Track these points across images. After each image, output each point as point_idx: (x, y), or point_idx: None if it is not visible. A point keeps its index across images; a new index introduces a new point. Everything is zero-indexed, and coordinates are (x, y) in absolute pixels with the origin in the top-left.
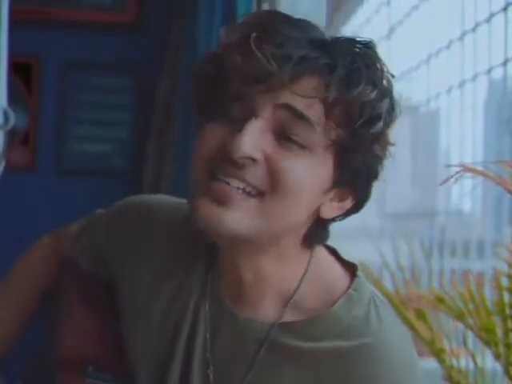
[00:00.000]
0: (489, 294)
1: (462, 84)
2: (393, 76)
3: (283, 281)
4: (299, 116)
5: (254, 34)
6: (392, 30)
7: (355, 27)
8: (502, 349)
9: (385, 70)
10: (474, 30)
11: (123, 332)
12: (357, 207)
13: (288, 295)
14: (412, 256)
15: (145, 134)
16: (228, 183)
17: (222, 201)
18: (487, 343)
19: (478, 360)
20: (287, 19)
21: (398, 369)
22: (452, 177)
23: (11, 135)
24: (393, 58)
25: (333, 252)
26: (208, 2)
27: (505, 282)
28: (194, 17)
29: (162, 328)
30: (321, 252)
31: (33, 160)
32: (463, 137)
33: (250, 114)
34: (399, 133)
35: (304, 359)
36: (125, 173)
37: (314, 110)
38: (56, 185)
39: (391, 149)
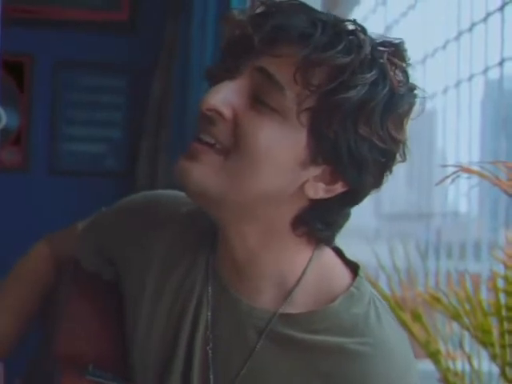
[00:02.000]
0: (485, 295)
1: (458, 84)
2: (405, 68)
3: (279, 270)
4: (271, 79)
5: (245, 7)
6: (388, 29)
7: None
8: (498, 350)
9: (384, 55)
10: (470, 29)
11: (126, 329)
12: (351, 197)
13: (288, 286)
14: (408, 257)
15: (138, 134)
16: (200, 139)
17: (192, 156)
18: (483, 344)
19: (474, 362)
20: (296, 3)
21: (395, 369)
22: (448, 177)
23: (3, 135)
24: None
25: (336, 250)
26: (201, 1)
27: (501, 283)
28: (187, 16)
29: (168, 320)
30: (325, 250)
31: (25, 160)
32: (459, 137)
33: (230, 78)
34: None
35: (302, 351)
36: (118, 173)
37: (287, 75)
38: (48, 185)
39: (399, 144)
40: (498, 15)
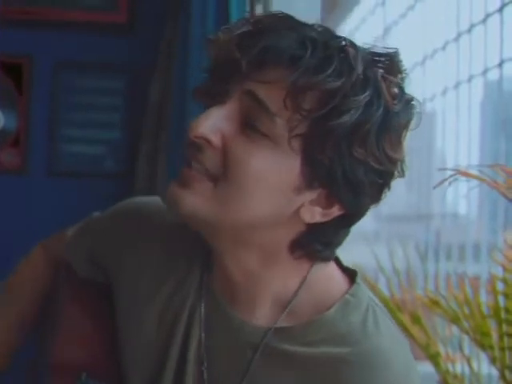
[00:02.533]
0: (485, 298)
1: (457, 85)
2: (400, 89)
3: (277, 286)
4: (260, 104)
5: (230, 26)
6: (387, 30)
7: (350, 28)
8: (497, 353)
9: (377, 74)
10: (469, 31)
11: (118, 335)
12: (349, 219)
13: (284, 301)
14: (407, 259)
15: (137, 135)
16: (190, 166)
17: (182, 183)
18: (482, 347)
19: (474, 364)
20: (283, 18)
21: (393, 376)
22: (445, 180)
23: (1, 136)
24: None
25: (334, 258)
26: (201, 3)
27: (500, 286)
28: (186, 17)
29: (158, 329)
30: (322, 263)
31: (23, 162)
32: (459, 138)
33: (220, 102)
34: None
35: (299, 365)
36: (117, 175)
37: (277, 100)
38: (47, 187)
39: (396, 163)
40: (497, 16)
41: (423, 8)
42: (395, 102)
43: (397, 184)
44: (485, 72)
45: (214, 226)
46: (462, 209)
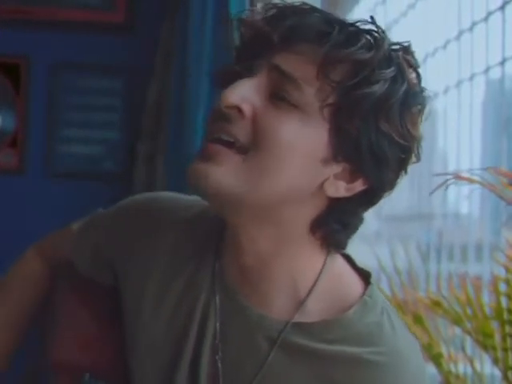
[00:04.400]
0: (487, 298)
1: (459, 84)
2: (414, 67)
3: (291, 275)
4: (288, 76)
5: (262, 5)
6: (388, 29)
7: None
8: (500, 354)
9: (399, 54)
10: (471, 29)
11: (125, 334)
12: (370, 196)
13: (301, 295)
14: (409, 259)
15: (135, 136)
16: (217, 139)
17: (208, 157)
18: (485, 348)
19: (477, 365)
20: (307, 5)
21: (408, 377)
22: (443, 184)
23: None
24: None
25: (347, 258)
26: (200, 2)
27: (503, 287)
28: (185, 17)
29: (171, 323)
30: (337, 257)
31: (21, 162)
32: (460, 137)
33: (247, 75)
34: None
35: (316, 361)
36: (115, 175)
37: (306, 72)
38: (45, 188)
39: (415, 141)
40: (498, 14)
41: (424, 6)
42: (416, 81)
43: (398, 184)
44: (487, 70)
45: (240, 200)
46: (464, 209)
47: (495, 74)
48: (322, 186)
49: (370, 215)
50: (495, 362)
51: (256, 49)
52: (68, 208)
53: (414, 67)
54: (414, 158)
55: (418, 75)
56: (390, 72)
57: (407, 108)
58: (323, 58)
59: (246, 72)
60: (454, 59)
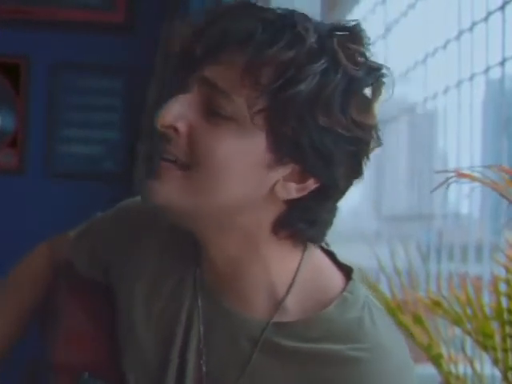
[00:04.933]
0: (487, 298)
1: (459, 84)
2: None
3: (268, 277)
4: (216, 88)
5: (186, 20)
6: (388, 29)
7: None
8: (500, 354)
9: (334, 41)
10: (471, 29)
11: (119, 334)
12: (328, 192)
13: (279, 295)
14: (409, 260)
15: (135, 135)
16: (161, 157)
17: (155, 175)
18: (485, 348)
19: (477, 366)
20: (239, 5)
21: (389, 374)
22: (444, 183)
23: None
24: (389, 57)
25: (329, 254)
26: (199, 3)
27: (503, 287)
28: (184, 17)
29: (158, 328)
30: (314, 253)
31: (21, 163)
32: (461, 137)
33: (183, 92)
34: (396, 134)
35: (298, 360)
36: (115, 175)
37: (233, 80)
38: (45, 188)
39: (368, 130)
40: (498, 14)
41: (424, 6)
42: (357, 68)
43: (398, 184)
44: (487, 70)
45: (191, 214)
46: (464, 209)
47: (495, 73)
48: (272, 189)
49: (370, 216)
50: (495, 362)
51: (186, 63)
52: (68, 208)
53: (357, 50)
54: (374, 144)
55: (365, 57)
56: (319, 65)
57: (349, 97)
58: (246, 63)
59: (180, 86)
60: (454, 59)
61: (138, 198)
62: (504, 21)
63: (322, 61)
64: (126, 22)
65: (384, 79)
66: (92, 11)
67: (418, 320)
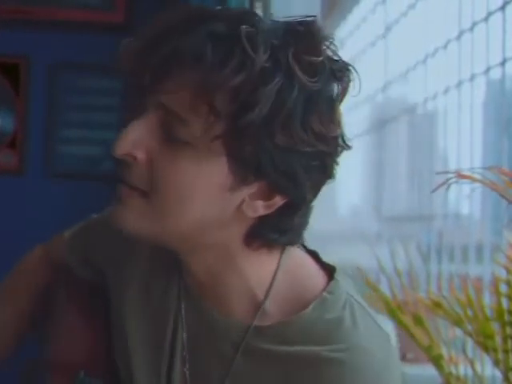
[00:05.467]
0: (488, 299)
1: (459, 84)
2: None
3: (247, 282)
4: (172, 114)
5: (136, 36)
6: (388, 29)
7: (351, 27)
8: (500, 355)
9: (288, 54)
10: (471, 29)
11: (114, 337)
12: (294, 206)
13: (259, 298)
14: (409, 260)
15: None
16: (124, 183)
17: (119, 200)
18: (486, 349)
19: (477, 367)
20: (184, 15)
21: (368, 375)
22: (445, 183)
23: None
24: (389, 58)
25: (312, 254)
26: (199, 3)
27: (503, 288)
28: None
29: (149, 335)
30: (293, 254)
31: (20, 163)
32: (461, 138)
33: (139, 115)
34: (396, 134)
35: (278, 363)
36: (115, 176)
37: (187, 105)
38: (44, 188)
39: (332, 140)
40: (499, 14)
41: (424, 6)
42: (314, 79)
43: (398, 185)
44: (487, 71)
45: (155, 237)
46: (465, 209)
47: (496, 74)
48: (239, 208)
49: (370, 216)
50: (496, 363)
51: (137, 86)
52: (68, 209)
53: (311, 62)
54: (340, 150)
55: (322, 65)
56: (273, 85)
57: (309, 112)
58: (198, 87)
59: (136, 109)
60: (455, 59)
61: None
62: (504, 21)
63: (277, 79)
64: (125, 22)
65: (349, 77)
66: (91, 11)
67: (418, 321)
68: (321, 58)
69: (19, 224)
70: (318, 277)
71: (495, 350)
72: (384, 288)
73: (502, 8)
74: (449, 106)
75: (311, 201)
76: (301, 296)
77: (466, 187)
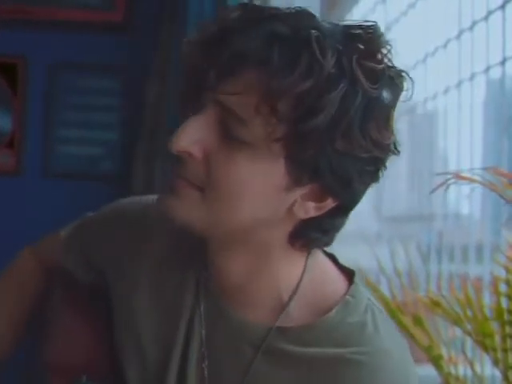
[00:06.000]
0: (487, 299)
1: (459, 84)
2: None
3: (275, 284)
4: (232, 114)
5: (199, 30)
6: (388, 28)
7: None
8: (500, 354)
9: (352, 59)
10: (471, 28)
11: (116, 337)
12: (343, 209)
13: (283, 300)
14: (409, 260)
15: (134, 135)
16: (180, 176)
17: (173, 192)
18: (485, 349)
19: (477, 367)
20: (249, 13)
21: (392, 377)
22: (443, 184)
23: None
24: None
25: (331, 257)
26: (198, 3)
27: (503, 287)
28: (183, 17)
29: (159, 332)
30: (318, 257)
31: (18, 163)
32: (461, 138)
33: (197, 111)
34: (396, 134)
35: (299, 365)
36: (113, 176)
37: (249, 105)
38: (42, 189)
39: (386, 147)
40: (499, 13)
41: (424, 5)
42: (375, 86)
43: (398, 184)
44: (487, 70)
45: (208, 231)
46: (465, 209)
47: (496, 73)
48: (290, 209)
49: (370, 216)
50: (495, 363)
51: (199, 83)
52: (66, 209)
53: (373, 69)
54: (390, 155)
55: (383, 72)
56: (338, 91)
57: (369, 119)
58: (264, 91)
59: (194, 105)
60: (455, 59)
61: (134, 198)
62: (505, 20)
63: (341, 85)
64: (124, 22)
65: (404, 84)
66: (91, 11)
67: (418, 321)
68: (382, 65)
69: (17, 224)
70: (339, 281)
71: (494, 349)
72: (384, 288)
73: (502, 7)
74: (449, 106)
75: (355, 206)
76: (324, 299)
77: (465, 187)
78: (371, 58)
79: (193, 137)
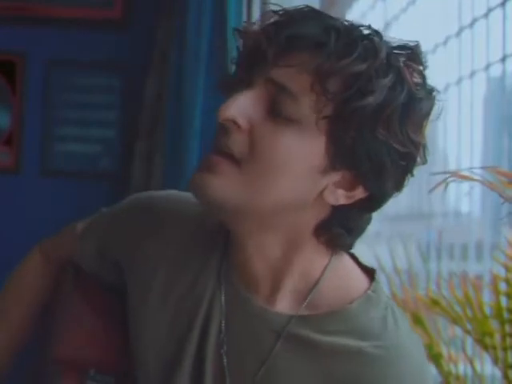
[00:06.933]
0: (488, 297)
1: (459, 81)
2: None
3: (299, 274)
4: (283, 89)
5: (261, 17)
6: (388, 25)
7: None
8: (500, 353)
9: (400, 59)
10: (471, 25)
11: (131, 328)
12: (373, 202)
13: (306, 290)
14: (409, 259)
15: (133, 133)
16: (218, 151)
17: (208, 167)
18: (485, 347)
19: (476, 365)
20: (309, 10)
21: (409, 373)
22: (442, 183)
23: None
24: None
25: (352, 256)
26: (197, 1)
27: (502, 286)
28: (182, 15)
29: (175, 320)
30: (343, 255)
31: (17, 161)
32: (461, 135)
33: (245, 88)
34: None
35: (319, 353)
36: (112, 174)
37: (301, 83)
38: (41, 187)
39: (418, 147)
40: (499, 11)
41: (424, 3)
42: (418, 88)
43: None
44: (487, 67)
45: (241, 210)
46: (464, 208)
47: (496, 71)
48: (321, 194)
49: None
50: (495, 361)
51: (253, 61)
52: (65, 207)
53: (418, 71)
54: (419, 161)
55: (424, 78)
56: (388, 80)
57: (408, 115)
58: (319, 69)
59: (243, 84)
60: (455, 56)
61: (144, 193)
62: (505, 17)
63: (390, 76)
64: (123, 19)
65: (435, 100)
66: (89, 8)
67: (418, 320)
68: (425, 73)
69: (15, 222)
70: (361, 277)
71: (494, 348)
72: (384, 287)
73: (503, 4)
74: (449, 104)
75: (382, 205)
76: (346, 292)
77: (465, 185)
78: (415, 62)
79: (241, 107)
